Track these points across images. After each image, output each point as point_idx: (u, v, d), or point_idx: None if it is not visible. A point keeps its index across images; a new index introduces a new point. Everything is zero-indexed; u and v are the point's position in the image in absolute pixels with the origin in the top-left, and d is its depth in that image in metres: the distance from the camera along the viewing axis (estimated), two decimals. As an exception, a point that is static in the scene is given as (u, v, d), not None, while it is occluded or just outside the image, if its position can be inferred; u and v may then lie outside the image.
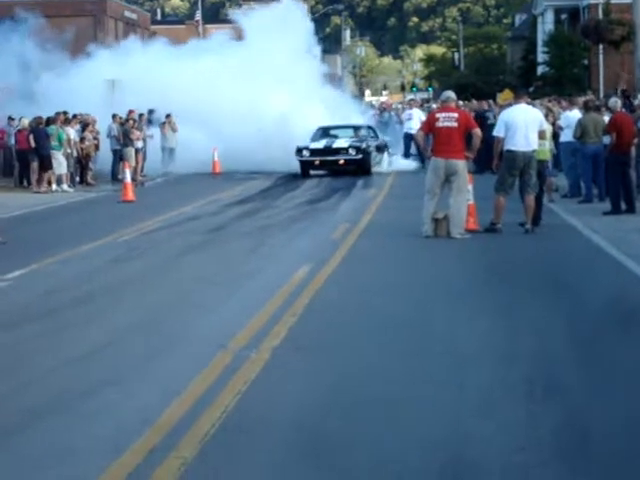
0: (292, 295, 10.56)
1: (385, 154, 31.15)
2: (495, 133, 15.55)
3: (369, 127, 32.46)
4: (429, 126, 15.52)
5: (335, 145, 29.46)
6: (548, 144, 17.14)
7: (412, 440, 5.95)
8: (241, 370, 7.52)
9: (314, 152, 29.16)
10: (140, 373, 7.66)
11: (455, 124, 15.05)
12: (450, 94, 15.97)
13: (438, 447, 5.81)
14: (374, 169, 29.71)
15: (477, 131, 15.45)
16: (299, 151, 29.20)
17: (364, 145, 29.38)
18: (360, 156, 28.99)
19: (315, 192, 24.38)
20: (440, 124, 15.13)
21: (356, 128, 31.81)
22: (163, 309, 10.29)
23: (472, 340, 8.46)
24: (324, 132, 30.69)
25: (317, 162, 29.19)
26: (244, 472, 5.52)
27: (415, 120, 30.79)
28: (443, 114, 15.32)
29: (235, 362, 7.76)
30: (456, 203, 14.95)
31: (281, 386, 7.18)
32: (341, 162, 29.12)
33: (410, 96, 65.48)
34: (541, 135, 15.42)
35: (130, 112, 29.80)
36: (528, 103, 16.42)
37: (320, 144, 29.50)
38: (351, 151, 29.01)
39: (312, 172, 29.32)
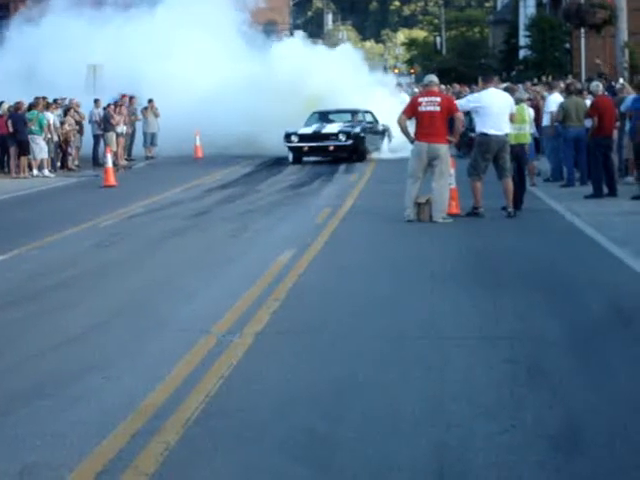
0: (275, 280, 10.56)
1: (385, 139, 30.06)
2: (459, 109, 15.48)
3: (367, 111, 30.65)
4: (412, 110, 15.50)
5: (325, 130, 28.10)
6: (528, 127, 17.15)
7: (397, 422, 5.97)
8: (224, 355, 7.52)
9: (303, 138, 27.88)
10: (123, 358, 7.64)
11: (438, 108, 15.05)
12: (432, 78, 15.94)
13: (422, 430, 5.83)
14: (373, 155, 28.72)
15: (459, 115, 15.46)
16: (287, 137, 27.93)
17: (356, 130, 28.04)
18: (350, 142, 27.67)
19: (297, 177, 24.33)
20: (423, 108, 15.12)
21: (353, 112, 30.23)
22: (146, 294, 10.27)
23: (455, 323, 8.49)
24: (320, 116, 29.45)
25: (306, 148, 27.92)
26: (227, 457, 5.53)
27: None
28: (425, 98, 15.30)
29: (218, 347, 7.76)
30: (438, 187, 14.96)
31: (264, 371, 7.18)
32: (331, 148, 27.88)
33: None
34: (511, 118, 15.41)
35: (122, 97, 30.18)
36: (497, 87, 16.37)
37: (309, 129, 28.20)
38: (341, 137, 27.70)
39: (304, 159, 28.13)
